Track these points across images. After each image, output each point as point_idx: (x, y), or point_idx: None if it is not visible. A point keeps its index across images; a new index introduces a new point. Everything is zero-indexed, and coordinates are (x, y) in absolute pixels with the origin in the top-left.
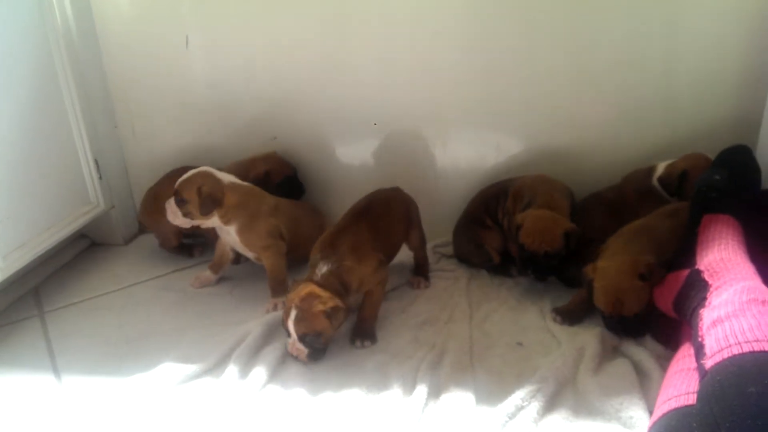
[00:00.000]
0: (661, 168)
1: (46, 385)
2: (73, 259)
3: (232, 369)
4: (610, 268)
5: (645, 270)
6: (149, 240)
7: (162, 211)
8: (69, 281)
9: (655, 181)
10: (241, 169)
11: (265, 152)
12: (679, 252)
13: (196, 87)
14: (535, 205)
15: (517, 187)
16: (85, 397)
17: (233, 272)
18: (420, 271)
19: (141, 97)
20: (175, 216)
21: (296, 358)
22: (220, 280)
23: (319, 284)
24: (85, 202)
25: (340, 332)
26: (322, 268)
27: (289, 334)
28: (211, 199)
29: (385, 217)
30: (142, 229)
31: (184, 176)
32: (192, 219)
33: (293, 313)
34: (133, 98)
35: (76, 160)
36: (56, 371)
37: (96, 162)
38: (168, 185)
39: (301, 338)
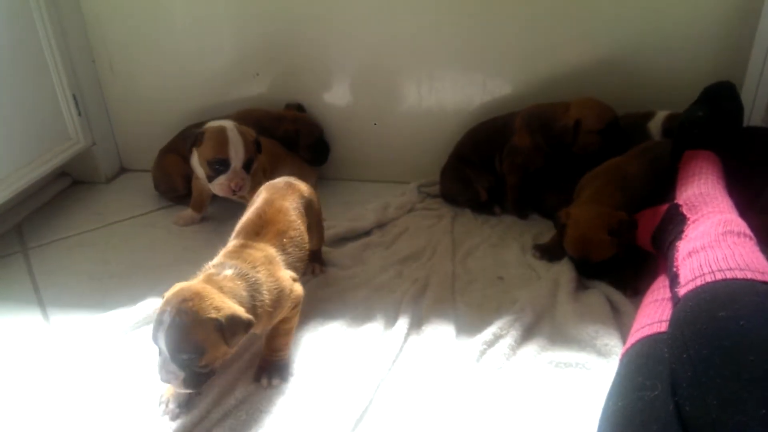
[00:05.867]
0: (660, 115)
1: (32, 320)
2: (55, 197)
3: None
4: (581, 218)
5: (616, 226)
6: (132, 178)
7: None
8: (52, 219)
9: (653, 127)
10: (273, 122)
11: (290, 109)
12: (659, 188)
13: (174, 21)
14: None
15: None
16: (71, 331)
17: (217, 211)
18: (315, 255)
19: (118, 32)
20: (241, 183)
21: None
22: (204, 219)
23: (219, 286)
24: (65, 139)
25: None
26: (227, 269)
27: (159, 350)
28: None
29: (290, 224)
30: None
31: (239, 140)
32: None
33: (166, 319)
34: (109, 33)
35: (54, 95)
36: (42, 306)
37: (74, 97)
38: (182, 139)
39: (174, 356)
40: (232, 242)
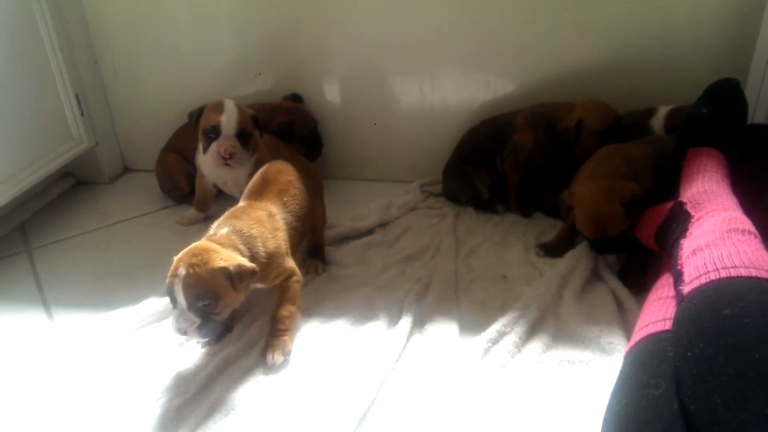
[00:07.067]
0: (662, 111)
1: (36, 320)
2: (59, 197)
3: None
4: (587, 193)
5: (628, 199)
6: (135, 178)
7: (172, 156)
8: (55, 219)
9: (656, 124)
10: (269, 115)
11: (287, 101)
12: (664, 184)
13: (177, 21)
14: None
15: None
16: (75, 330)
17: (221, 210)
18: (317, 253)
19: (120, 32)
20: (231, 150)
21: (184, 337)
22: (207, 219)
23: (219, 243)
24: (68, 139)
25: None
26: (223, 228)
27: (174, 304)
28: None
29: (293, 192)
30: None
31: (234, 109)
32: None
33: (182, 272)
34: (111, 33)
35: (56, 96)
36: (46, 305)
37: (77, 98)
38: (180, 137)
39: (192, 304)
40: (239, 204)
